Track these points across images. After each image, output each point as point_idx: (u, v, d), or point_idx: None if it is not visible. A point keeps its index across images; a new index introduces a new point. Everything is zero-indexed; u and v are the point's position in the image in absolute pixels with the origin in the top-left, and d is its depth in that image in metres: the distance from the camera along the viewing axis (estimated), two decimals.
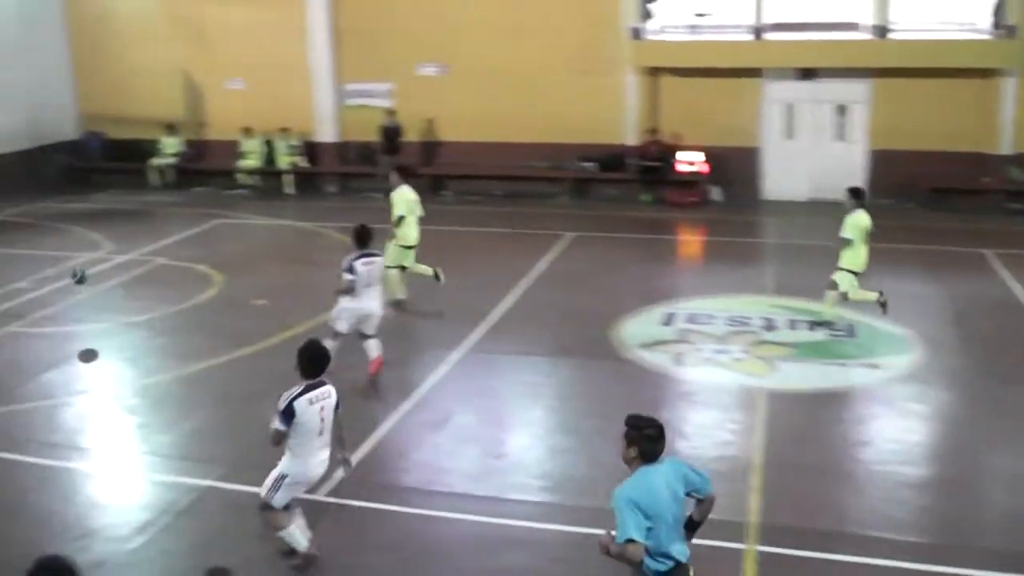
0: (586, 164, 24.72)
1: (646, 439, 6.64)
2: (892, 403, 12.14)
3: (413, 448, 10.99)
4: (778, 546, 8.85)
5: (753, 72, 24.01)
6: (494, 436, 11.32)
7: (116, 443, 11.62)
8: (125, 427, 11.99)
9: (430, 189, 25.69)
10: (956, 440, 11.32)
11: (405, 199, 16.12)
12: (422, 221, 16.41)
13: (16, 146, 26.69)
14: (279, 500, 8.56)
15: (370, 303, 12.76)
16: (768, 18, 23.65)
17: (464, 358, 13.63)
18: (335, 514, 9.60)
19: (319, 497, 9.74)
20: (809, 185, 24.19)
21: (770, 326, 14.72)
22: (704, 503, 6.77)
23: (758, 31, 23.55)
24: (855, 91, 23.78)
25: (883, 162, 23.46)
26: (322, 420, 8.45)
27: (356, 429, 11.17)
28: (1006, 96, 22.91)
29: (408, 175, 16.69)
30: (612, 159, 24.74)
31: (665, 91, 24.58)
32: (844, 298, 14.57)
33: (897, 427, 11.49)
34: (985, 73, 22.91)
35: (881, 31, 22.93)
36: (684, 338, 14.30)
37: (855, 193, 15.06)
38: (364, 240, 12.82)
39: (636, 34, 23.88)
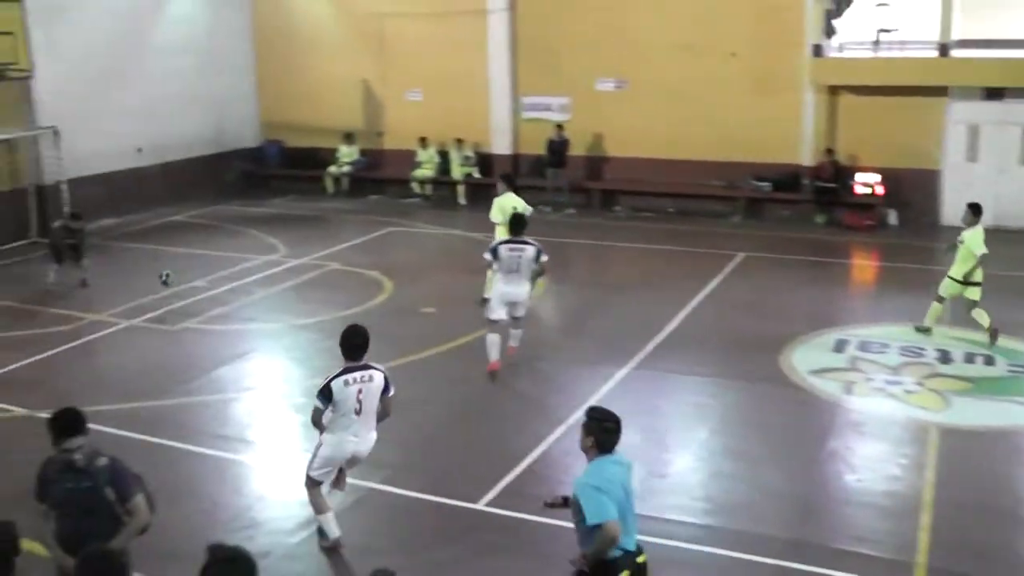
0: (760, 183, 24.39)
1: (604, 431, 7.14)
2: None
3: (576, 464, 10.98)
4: None
5: (937, 91, 23.27)
6: (658, 455, 11.29)
7: (282, 439, 12.00)
8: (292, 425, 12.39)
9: (600, 204, 25.83)
10: None
11: (501, 206, 16.66)
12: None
13: (201, 151, 27.88)
14: (314, 471, 9.21)
15: (515, 289, 13.62)
16: (956, 34, 22.92)
17: (631, 375, 13.63)
18: (494, 524, 9.71)
19: (479, 506, 9.89)
20: (992, 211, 23.30)
21: (945, 358, 14.27)
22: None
23: (944, 48, 22.83)
24: None
25: None
26: (359, 401, 9.06)
27: (520, 442, 11.34)
28: None
29: (512, 184, 17.66)
30: (787, 179, 24.34)
31: (844, 110, 24.05)
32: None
33: None
34: None
35: None
36: (855, 366, 13.99)
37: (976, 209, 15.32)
38: (516, 227, 13.89)
39: (817, 51, 23.45)
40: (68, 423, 6.89)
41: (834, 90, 23.84)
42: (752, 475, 10.68)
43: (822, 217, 23.81)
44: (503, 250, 13.55)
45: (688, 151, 24.87)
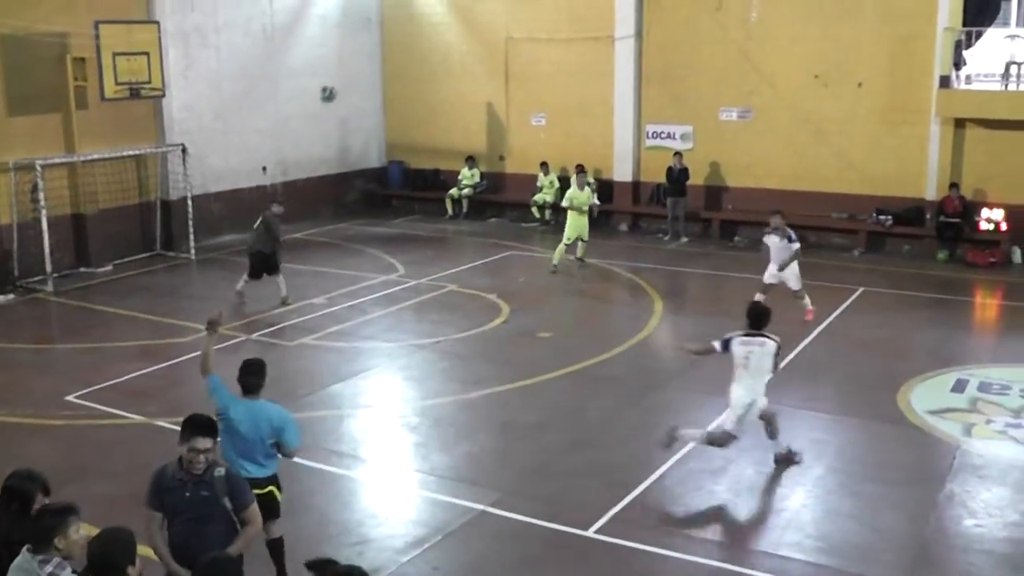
0: (882, 217, 24.04)
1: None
2: None
3: (688, 493, 11.02)
4: None
5: None
6: (773, 490, 11.24)
7: (395, 458, 12.21)
8: (404, 444, 12.61)
9: (719, 234, 25.70)
10: None
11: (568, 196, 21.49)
12: None
13: (325, 171, 28.55)
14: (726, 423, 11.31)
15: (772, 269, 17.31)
16: None
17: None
18: (604, 552, 9.75)
19: (588, 533, 9.93)
20: None
21: None
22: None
23: None
24: None
25: None
26: (746, 358, 11.18)
27: (633, 470, 11.37)
28: None
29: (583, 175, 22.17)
30: (910, 213, 23.96)
31: (970, 143, 23.58)
32: None
33: None
34: None
35: None
36: (975, 407, 13.71)
37: None
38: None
39: (944, 83, 23.07)
40: (202, 422, 7.17)
41: (960, 123, 23.42)
42: (867, 515, 10.55)
43: (944, 253, 23.35)
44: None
45: (810, 183, 24.69)
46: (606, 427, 12.94)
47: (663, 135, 26.53)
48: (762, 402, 11.45)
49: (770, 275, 17.61)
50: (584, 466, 11.72)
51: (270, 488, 8.55)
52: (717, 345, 11.54)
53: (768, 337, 11.38)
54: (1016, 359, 15.79)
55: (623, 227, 26.97)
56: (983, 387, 14.48)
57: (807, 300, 17.56)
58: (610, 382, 14.61)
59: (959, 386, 14.53)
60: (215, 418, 7.77)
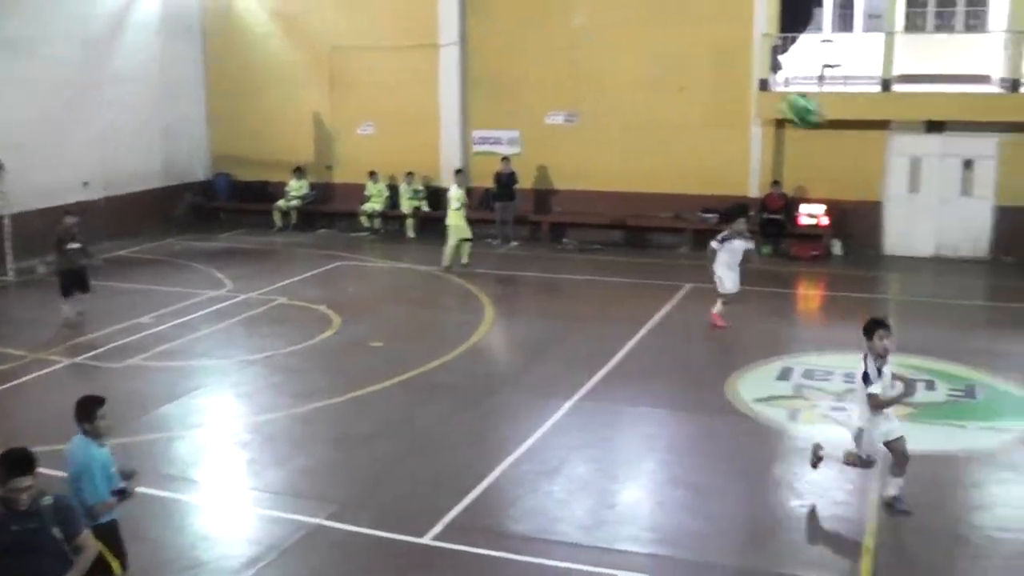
0: (707, 215, 24.62)
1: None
2: (1017, 468, 11.78)
3: (524, 495, 11.00)
4: None
5: (880, 125, 23.69)
6: (606, 487, 11.30)
7: (228, 477, 11.90)
8: (237, 462, 12.30)
9: (549, 237, 25.93)
10: None
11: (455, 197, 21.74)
12: None
13: (149, 185, 27.73)
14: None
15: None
16: (897, 70, 23.30)
17: (578, 406, 13.64)
18: (441, 559, 9.67)
19: (425, 540, 9.84)
20: (934, 241, 23.72)
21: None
22: None
23: (886, 83, 23.22)
24: (983, 146, 23.26)
25: (1009, 219, 22.93)
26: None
27: (466, 475, 11.31)
28: None
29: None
30: (734, 210, 24.53)
31: (790, 143, 24.39)
32: None
33: (1020, 493, 11.17)
34: None
35: (1013, 85, 22.40)
36: (800, 394, 14.13)
37: None
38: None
39: (763, 86, 23.76)
40: (17, 460, 6.73)
41: (780, 123, 24.14)
42: (699, 504, 10.72)
43: (768, 248, 24.03)
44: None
45: (636, 184, 25.15)
46: (440, 434, 12.83)
47: (491, 140, 26.64)
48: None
49: (733, 283, 17.52)
50: (419, 474, 11.62)
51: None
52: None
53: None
54: (838, 346, 16.27)
55: None
56: (807, 374, 14.94)
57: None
58: (443, 389, 14.54)
59: (785, 374, 14.96)
60: None
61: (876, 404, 10.04)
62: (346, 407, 13.90)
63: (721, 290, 17.39)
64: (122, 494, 7.91)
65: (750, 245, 17.63)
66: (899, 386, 10.38)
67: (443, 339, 17.11)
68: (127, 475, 8.05)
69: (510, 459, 11.82)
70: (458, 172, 23.62)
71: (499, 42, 26.08)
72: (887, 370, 10.16)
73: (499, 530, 10.21)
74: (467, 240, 22.38)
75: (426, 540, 9.90)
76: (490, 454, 11.93)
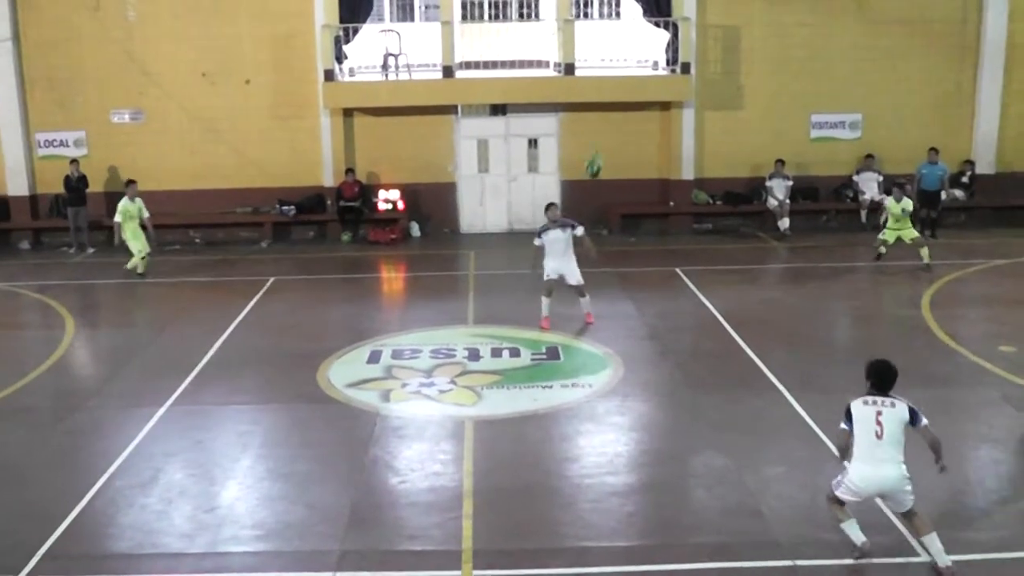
0: (285, 207, 24.55)
1: None
2: (595, 419, 12.56)
3: (120, 513, 10.45)
4: (494, 568, 8.98)
5: (446, 110, 24.51)
6: (204, 490, 10.95)
7: None
8: None
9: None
10: (657, 447, 11.91)
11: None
12: None
13: None
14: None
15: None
16: (460, 57, 24.16)
17: (168, 413, 13.11)
18: None
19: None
20: (507, 217, 24.90)
21: (475, 356, 14.99)
22: None
23: (449, 69, 23.99)
24: (545, 125, 24.71)
25: (576, 192, 24.41)
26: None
27: (59, 501, 10.58)
28: (684, 126, 24.44)
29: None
30: (311, 201, 24.70)
31: (360, 131, 24.77)
32: None
33: (601, 441, 11.88)
34: (664, 106, 24.43)
35: (568, 68, 23.84)
36: (391, 374, 14.35)
37: None
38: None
39: (329, 76, 23.89)
40: None
41: (349, 112, 24.43)
42: (298, 493, 10.64)
43: (347, 235, 24.34)
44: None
45: (210, 181, 24.74)
46: (23, 463, 11.91)
47: (56, 143, 25.17)
48: None
49: (551, 271, 16.46)
50: (4, 509, 10.74)
51: None
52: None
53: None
54: (423, 324, 16.78)
55: (24, 244, 25.30)
56: (396, 354, 15.21)
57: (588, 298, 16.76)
58: (23, 412, 13.53)
59: (374, 357, 15.14)
60: None
61: None
62: None
63: (572, 282, 16.51)
64: None
65: (568, 232, 16.35)
66: None
67: (21, 359, 15.95)
68: None
69: (103, 478, 11.18)
70: (129, 183, 21.79)
71: (54, 37, 24.55)
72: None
73: (98, 553, 9.67)
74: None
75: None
76: (83, 475, 11.24)
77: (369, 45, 24.59)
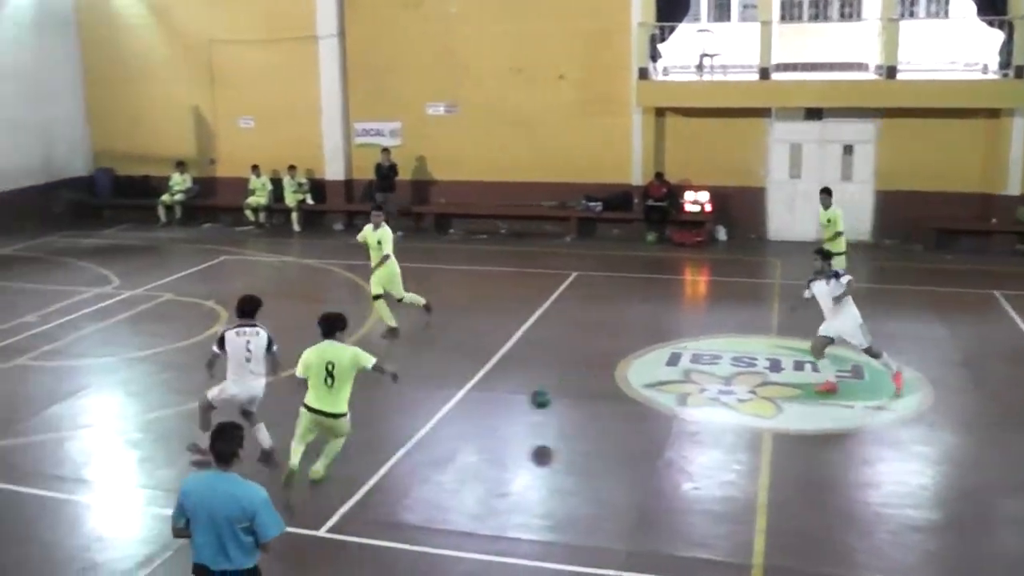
0: (591, 204, 24.76)
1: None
2: (899, 446, 12.04)
3: (416, 486, 10.92)
4: None
5: (760, 112, 24.07)
6: (497, 475, 11.25)
7: (120, 477, 11.58)
8: (129, 461, 11.99)
9: (434, 228, 25.85)
10: (963, 483, 11.17)
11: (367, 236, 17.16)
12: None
13: (28, 182, 27.00)
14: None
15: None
16: (776, 58, 23.68)
17: (467, 397, 13.57)
18: (337, 551, 9.56)
19: (320, 533, 9.73)
20: (815, 226, 24.18)
21: (776, 367, 14.66)
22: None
23: (765, 71, 23.56)
24: (862, 131, 23.82)
25: (889, 203, 23.49)
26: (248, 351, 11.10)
27: (360, 468, 11.17)
28: (1014, 136, 22.83)
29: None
30: (618, 198, 24.79)
31: (671, 131, 24.65)
32: None
33: (904, 470, 11.38)
34: (992, 113, 22.92)
35: (889, 71, 22.89)
36: (689, 378, 14.24)
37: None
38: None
39: (643, 75, 23.92)
40: None
41: (661, 112, 24.38)
42: (590, 490, 10.73)
43: (652, 235, 24.28)
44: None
45: (519, 173, 25.19)
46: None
47: (372, 132, 26.46)
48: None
49: (825, 328, 13.77)
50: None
51: None
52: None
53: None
54: (724, 330, 16.54)
55: (338, 226, 26.66)
56: (695, 359, 15.07)
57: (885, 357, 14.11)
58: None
59: (673, 360, 15.06)
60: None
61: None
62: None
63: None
64: None
65: (838, 289, 13.54)
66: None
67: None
68: None
69: (402, 450, 11.71)
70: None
71: (376, 33, 25.87)
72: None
73: (392, 521, 10.10)
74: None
75: (321, 533, 9.78)
76: (382, 446, 11.77)
77: (684, 44, 24.45)
